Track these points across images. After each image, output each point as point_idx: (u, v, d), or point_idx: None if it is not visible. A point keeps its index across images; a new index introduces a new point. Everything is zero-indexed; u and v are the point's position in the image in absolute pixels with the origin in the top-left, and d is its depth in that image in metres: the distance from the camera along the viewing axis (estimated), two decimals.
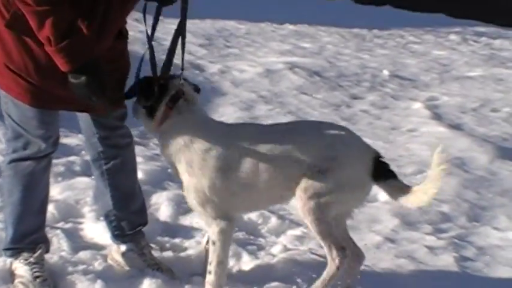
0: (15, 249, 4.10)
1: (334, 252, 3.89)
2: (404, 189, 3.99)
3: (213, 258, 3.85)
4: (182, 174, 3.84)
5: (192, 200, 3.81)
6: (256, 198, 3.91)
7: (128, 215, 4.30)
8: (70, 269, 4.21)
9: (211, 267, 3.85)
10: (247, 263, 4.50)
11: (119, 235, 4.35)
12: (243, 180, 3.77)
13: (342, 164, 3.87)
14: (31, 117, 3.82)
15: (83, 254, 4.42)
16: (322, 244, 3.95)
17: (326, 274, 3.93)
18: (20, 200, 4.01)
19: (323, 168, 3.81)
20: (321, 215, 3.88)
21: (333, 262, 3.91)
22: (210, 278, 3.86)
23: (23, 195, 4.00)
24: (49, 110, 3.84)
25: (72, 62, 3.49)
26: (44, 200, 4.13)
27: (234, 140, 3.81)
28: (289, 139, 3.83)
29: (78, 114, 4.07)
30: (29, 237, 4.09)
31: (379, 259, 4.73)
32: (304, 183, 3.82)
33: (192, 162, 3.77)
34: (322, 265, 4.41)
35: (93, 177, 5.55)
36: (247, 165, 3.76)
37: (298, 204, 3.89)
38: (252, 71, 9.82)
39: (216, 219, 3.80)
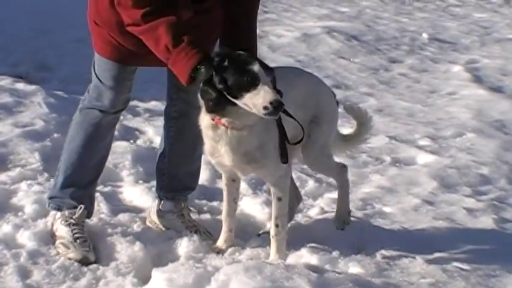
0: (60, 199, 4.18)
1: (341, 174, 4.39)
2: None
3: (279, 213, 3.96)
4: (263, 134, 3.80)
5: (274, 163, 3.84)
6: None
7: (180, 174, 4.36)
8: (109, 230, 4.28)
9: (278, 220, 3.96)
10: None
11: (163, 189, 4.40)
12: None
13: (325, 105, 4.18)
14: (108, 69, 4.00)
15: (122, 217, 4.48)
16: (333, 174, 4.42)
17: (344, 193, 4.41)
18: (78, 148, 4.13)
19: (314, 117, 4.11)
20: (329, 159, 4.32)
21: (345, 182, 4.41)
22: (278, 231, 3.97)
23: (82, 144, 4.12)
24: (126, 65, 3.98)
25: (194, 57, 3.56)
26: (101, 161, 4.24)
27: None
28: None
29: None
30: (76, 192, 4.17)
31: (417, 221, 4.72)
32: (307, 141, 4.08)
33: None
34: (359, 227, 4.49)
35: (131, 141, 5.69)
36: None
37: (305, 159, 4.25)
38: (290, 35, 9.80)
39: (284, 177, 3.93)
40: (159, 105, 6.59)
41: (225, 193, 4.18)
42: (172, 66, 3.65)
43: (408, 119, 6.86)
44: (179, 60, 3.59)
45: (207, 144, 3.88)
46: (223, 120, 3.68)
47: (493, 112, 7.03)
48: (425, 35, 10.45)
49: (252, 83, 3.50)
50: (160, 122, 5.96)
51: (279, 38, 9.66)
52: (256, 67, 3.54)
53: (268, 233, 4.09)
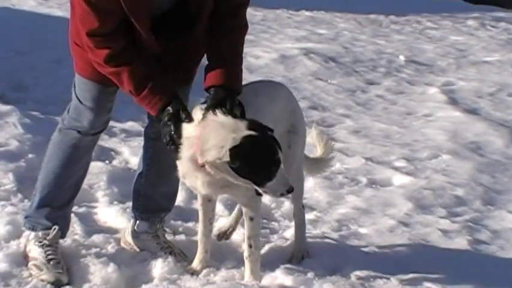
0: (35, 219, 4.14)
1: (302, 212, 4.39)
2: None
3: (252, 233, 3.93)
4: None
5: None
6: None
7: (156, 195, 4.33)
8: (83, 252, 4.23)
9: (251, 241, 3.93)
10: None
11: (139, 209, 4.37)
12: None
13: (298, 113, 4.25)
14: (88, 90, 3.97)
15: (96, 238, 4.44)
16: (299, 204, 4.37)
17: (303, 231, 4.40)
18: (55, 169, 4.10)
19: (291, 126, 4.14)
20: (302, 171, 4.40)
21: (304, 220, 4.42)
22: (251, 252, 3.94)
23: (60, 164, 4.09)
24: (106, 86, 3.93)
25: (157, 104, 3.69)
26: (78, 181, 4.21)
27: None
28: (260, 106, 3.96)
29: None
30: (51, 212, 4.13)
31: (392, 242, 4.70)
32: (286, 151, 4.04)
33: None
34: (334, 248, 4.51)
35: (107, 161, 5.66)
36: None
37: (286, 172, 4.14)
38: (267, 56, 9.80)
39: (256, 196, 3.83)
40: (135, 126, 6.56)
41: (200, 214, 4.15)
42: (139, 103, 3.78)
43: (384, 141, 6.87)
44: (144, 105, 3.74)
45: (182, 168, 3.85)
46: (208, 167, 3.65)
47: (468, 134, 7.04)
48: (402, 57, 10.50)
49: (276, 172, 3.56)
50: (136, 142, 5.99)
51: (256, 59, 9.67)
52: (279, 152, 3.59)
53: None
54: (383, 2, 15.17)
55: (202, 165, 3.63)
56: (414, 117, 7.79)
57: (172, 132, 3.67)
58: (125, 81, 3.69)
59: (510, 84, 9.24)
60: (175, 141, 3.68)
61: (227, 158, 3.50)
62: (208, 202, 4.11)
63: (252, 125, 3.56)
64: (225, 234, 4.55)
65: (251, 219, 3.92)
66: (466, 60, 10.73)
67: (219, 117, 3.58)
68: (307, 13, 13.83)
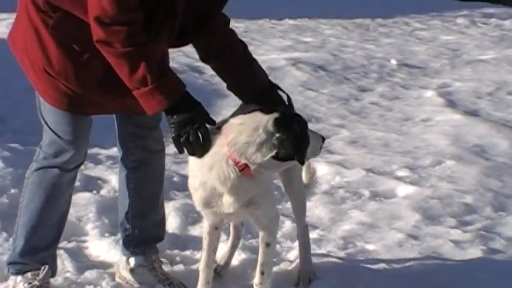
0: (21, 264, 3.94)
1: (305, 233, 4.25)
2: None
3: (266, 260, 3.79)
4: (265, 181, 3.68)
5: (271, 203, 3.74)
6: None
7: (145, 226, 4.15)
8: None
9: (264, 268, 3.79)
10: None
11: (130, 245, 4.17)
12: None
13: None
14: (66, 123, 3.75)
15: (89, 274, 4.23)
16: (303, 222, 4.22)
17: (308, 252, 4.21)
18: (39, 210, 3.89)
19: None
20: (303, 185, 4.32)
21: (308, 239, 4.25)
22: (263, 279, 3.79)
23: (43, 205, 3.89)
24: (85, 115, 3.78)
25: (172, 96, 3.44)
26: (63, 216, 4.01)
27: None
28: None
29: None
30: (39, 254, 3.94)
31: (402, 258, 4.53)
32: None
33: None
34: (342, 268, 4.32)
35: (94, 191, 5.40)
36: None
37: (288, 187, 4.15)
38: None
39: (276, 219, 3.78)
40: None
41: (205, 242, 3.92)
42: (147, 96, 3.44)
43: (384, 150, 6.67)
44: (156, 95, 3.41)
45: (201, 196, 3.63)
46: (253, 168, 3.48)
47: (471, 137, 6.86)
48: (393, 61, 10.37)
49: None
50: None
51: None
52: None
53: None
54: (368, 4, 15.09)
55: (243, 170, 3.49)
56: (412, 122, 7.62)
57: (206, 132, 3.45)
58: (143, 62, 3.39)
59: (508, 82, 9.15)
60: (206, 143, 3.45)
61: (273, 150, 3.40)
62: (215, 230, 3.91)
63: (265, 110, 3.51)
64: (221, 268, 4.32)
65: (267, 245, 3.76)
66: (460, 60, 10.64)
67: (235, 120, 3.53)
68: (291, 21, 13.71)
